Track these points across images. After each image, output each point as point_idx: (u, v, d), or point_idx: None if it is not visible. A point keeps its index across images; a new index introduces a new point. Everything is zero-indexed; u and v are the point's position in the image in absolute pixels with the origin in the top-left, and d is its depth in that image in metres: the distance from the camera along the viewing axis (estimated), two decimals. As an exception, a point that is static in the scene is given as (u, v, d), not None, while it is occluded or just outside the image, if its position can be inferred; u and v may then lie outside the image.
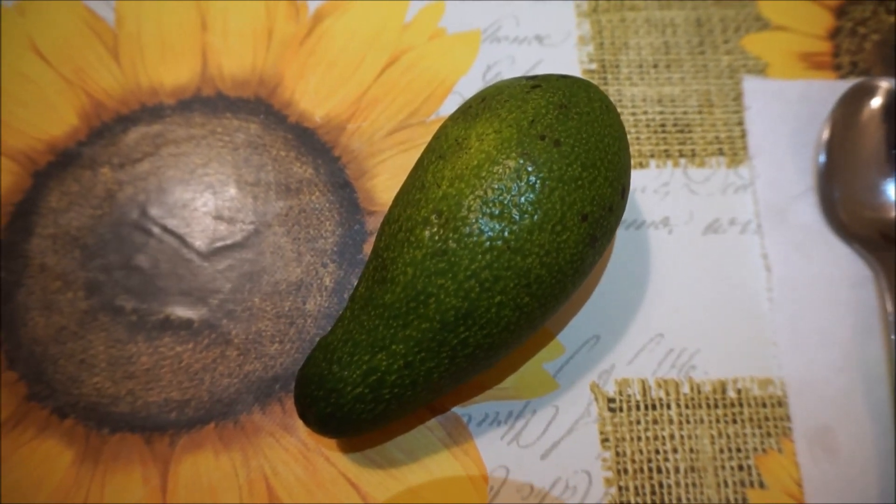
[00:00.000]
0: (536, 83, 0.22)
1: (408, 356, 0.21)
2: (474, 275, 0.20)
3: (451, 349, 0.21)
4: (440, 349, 0.21)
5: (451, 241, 0.20)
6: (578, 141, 0.21)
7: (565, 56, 0.30)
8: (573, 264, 0.21)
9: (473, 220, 0.20)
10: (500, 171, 0.20)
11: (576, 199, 0.20)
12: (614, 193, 0.22)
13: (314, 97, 0.29)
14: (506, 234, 0.20)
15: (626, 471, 0.25)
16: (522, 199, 0.20)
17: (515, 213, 0.20)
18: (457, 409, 0.25)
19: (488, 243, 0.20)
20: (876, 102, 0.28)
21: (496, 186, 0.20)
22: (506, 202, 0.20)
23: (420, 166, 0.22)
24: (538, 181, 0.20)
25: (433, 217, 0.21)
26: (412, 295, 0.20)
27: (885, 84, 0.28)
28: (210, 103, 0.29)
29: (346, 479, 0.24)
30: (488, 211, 0.20)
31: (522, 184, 0.20)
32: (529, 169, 0.20)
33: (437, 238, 0.20)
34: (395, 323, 0.21)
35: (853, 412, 0.25)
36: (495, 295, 0.20)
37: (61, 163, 0.28)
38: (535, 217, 0.20)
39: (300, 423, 0.25)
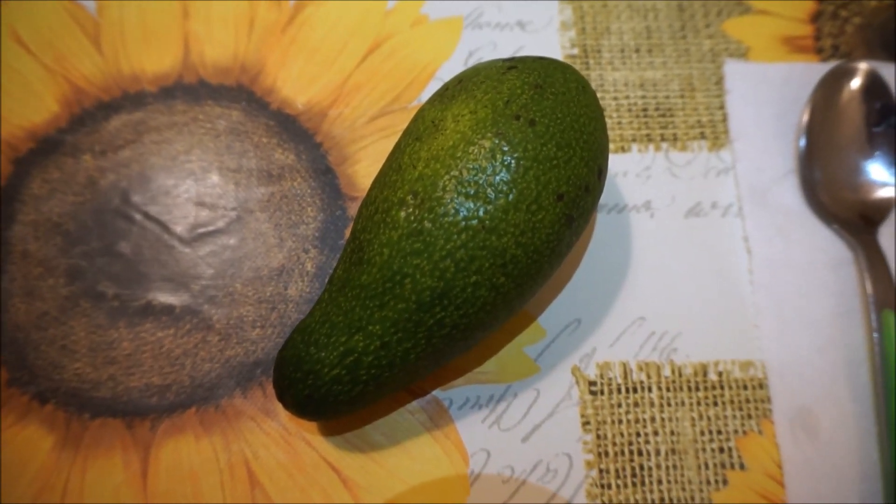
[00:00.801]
0: (513, 64, 0.22)
1: (384, 337, 0.21)
2: (449, 255, 0.20)
3: (428, 329, 0.21)
4: (416, 329, 0.21)
5: (426, 222, 0.20)
6: (553, 120, 0.21)
7: (547, 41, 0.30)
8: (549, 244, 0.21)
9: (448, 201, 0.20)
10: (476, 151, 0.20)
11: (551, 178, 0.21)
12: (590, 174, 0.22)
13: (296, 84, 0.29)
14: (481, 213, 0.20)
15: (606, 453, 0.25)
16: (497, 178, 0.20)
17: (490, 193, 0.20)
18: (438, 393, 0.25)
19: (463, 223, 0.20)
20: (855, 84, 0.28)
21: (471, 166, 0.20)
22: (481, 182, 0.20)
23: (397, 149, 0.22)
24: (513, 161, 0.20)
25: (409, 198, 0.21)
26: (388, 275, 0.20)
27: (863, 65, 0.28)
28: (192, 90, 0.29)
29: (328, 463, 0.24)
30: (463, 191, 0.20)
31: (497, 163, 0.20)
32: (504, 149, 0.20)
33: (412, 219, 0.20)
34: (372, 304, 0.21)
35: (833, 393, 0.25)
36: (471, 275, 0.20)
37: (42, 150, 0.28)
38: (510, 197, 0.20)
39: (281, 407, 0.25)
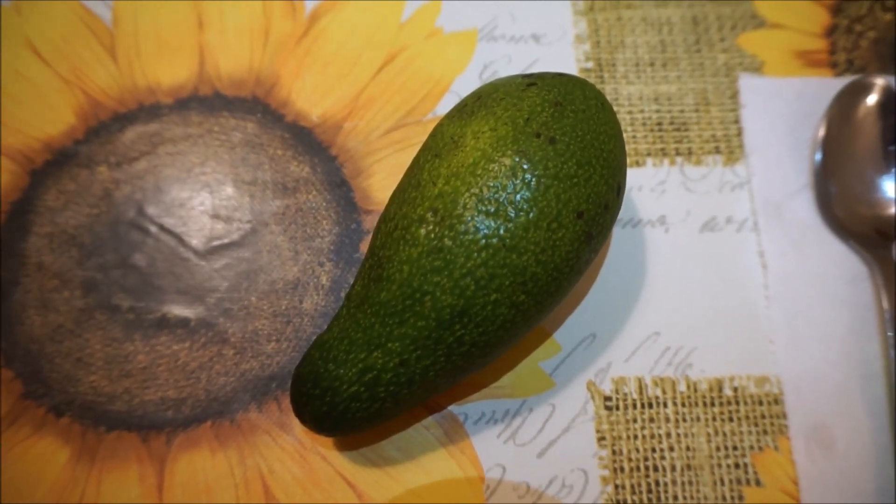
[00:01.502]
0: (532, 81, 0.22)
1: (403, 354, 0.21)
2: (470, 272, 0.20)
3: (447, 347, 0.21)
4: (436, 347, 0.21)
5: (446, 239, 0.20)
6: (574, 138, 0.21)
7: (562, 54, 0.30)
8: (569, 262, 0.21)
9: (469, 218, 0.20)
10: (496, 168, 0.20)
11: (571, 196, 0.21)
12: (610, 191, 0.22)
13: (311, 96, 0.29)
14: (501, 231, 0.20)
15: (622, 469, 0.25)
16: (518, 196, 0.20)
17: (511, 211, 0.20)
18: (453, 408, 0.25)
19: (484, 241, 0.20)
20: (872, 99, 0.28)
21: (492, 184, 0.20)
22: (501, 200, 0.20)
23: (416, 165, 0.22)
24: (534, 179, 0.20)
25: (429, 215, 0.21)
26: (408, 293, 0.20)
27: (880, 81, 0.28)
28: (207, 102, 0.29)
29: (343, 478, 0.24)
30: (484, 209, 0.20)
31: (518, 181, 0.20)
32: (525, 166, 0.20)
33: (432, 236, 0.20)
34: (391, 321, 0.21)
35: (849, 409, 0.25)
36: (491, 293, 0.20)
37: (58, 161, 0.28)
38: (531, 215, 0.20)
39: (297, 421, 0.25)
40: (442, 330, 0.20)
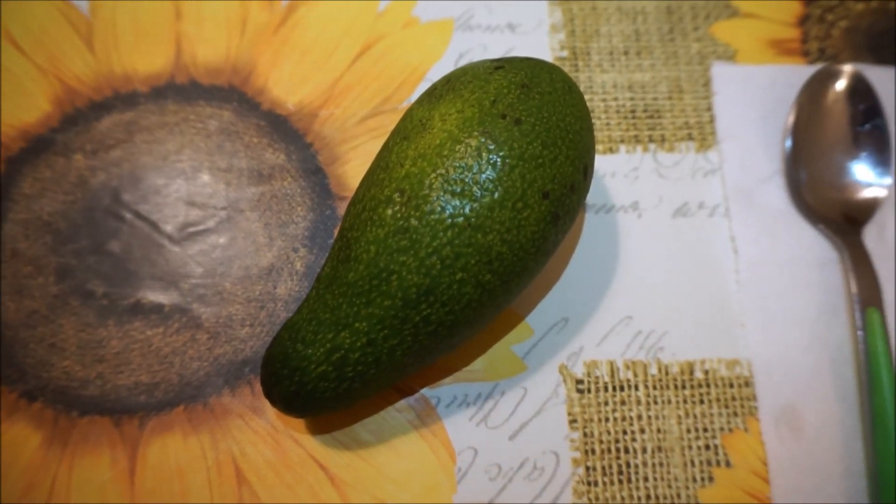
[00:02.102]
0: (500, 65, 0.22)
1: (371, 334, 0.21)
2: (436, 251, 0.20)
3: (414, 326, 0.21)
4: (403, 326, 0.21)
5: (412, 219, 0.20)
6: (539, 120, 0.21)
7: (537, 44, 0.30)
8: (535, 242, 0.21)
9: (435, 198, 0.20)
10: (462, 149, 0.21)
11: (536, 176, 0.21)
12: (576, 172, 0.22)
13: (287, 85, 0.30)
14: (467, 210, 0.20)
15: (593, 451, 0.25)
16: (483, 176, 0.20)
17: (476, 191, 0.20)
18: (426, 392, 0.25)
19: (450, 220, 0.20)
20: (840, 85, 0.28)
21: (458, 165, 0.20)
22: (467, 180, 0.20)
23: (385, 148, 0.23)
24: (499, 159, 0.20)
25: (396, 196, 0.21)
26: (375, 272, 0.21)
27: (848, 68, 0.28)
28: (183, 91, 0.29)
29: (315, 461, 0.24)
30: (450, 189, 0.20)
31: (483, 161, 0.20)
32: (490, 147, 0.20)
33: (399, 216, 0.20)
34: (359, 301, 0.21)
35: (819, 391, 0.25)
36: (456, 272, 0.20)
37: (34, 149, 0.28)
38: (496, 194, 0.20)
39: (269, 405, 0.25)
40: (408, 309, 0.20)
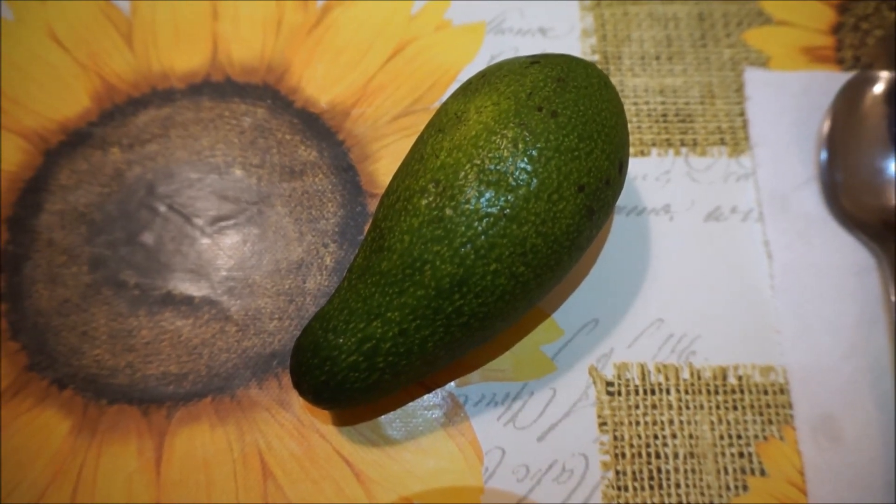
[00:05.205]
0: (535, 60, 0.23)
1: (402, 323, 0.21)
2: (470, 241, 0.20)
3: (446, 317, 0.21)
4: (435, 317, 0.21)
5: (447, 209, 0.20)
6: (576, 112, 0.21)
7: (568, 48, 0.31)
8: (569, 235, 0.21)
9: (470, 189, 0.20)
10: (498, 140, 0.21)
11: (572, 169, 0.21)
12: (611, 167, 0.22)
13: (320, 84, 0.30)
14: (502, 201, 0.20)
15: (623, 455, 0.24)
16: (519, 167, 0.20)
17: (512, 182, 0.20)
18: (453, 390, 0.25)
19: (484, 211, 0.20)
20: (878, 90, 0.28)
21: (493, 155, 0.20)
22: (503, 171, 0.20)
23: (420, 141, 0.23)
24: (535, 150, 0.20)
25: (430, 186, 0.21)
26: (408, 262, 0.20)
27: (886, 74, 0.28)
28: (219, 88, 0.30)
29: (341, 456, 0.24)
30: (485, 179, 0.20)
31: (519, 153, 0.20)
32: (527, 138, 0.20)
33: (433, 206, 0.20)
34: (391, 290, 0.21)
35: (857, 401, 0.25)
36: (490, 262, 0.20)
37: (72, 142, 0.29)
38: (532, 186, 0.20)
39: (296, 399, 0.25)
40: (441, 300, 0.20)
